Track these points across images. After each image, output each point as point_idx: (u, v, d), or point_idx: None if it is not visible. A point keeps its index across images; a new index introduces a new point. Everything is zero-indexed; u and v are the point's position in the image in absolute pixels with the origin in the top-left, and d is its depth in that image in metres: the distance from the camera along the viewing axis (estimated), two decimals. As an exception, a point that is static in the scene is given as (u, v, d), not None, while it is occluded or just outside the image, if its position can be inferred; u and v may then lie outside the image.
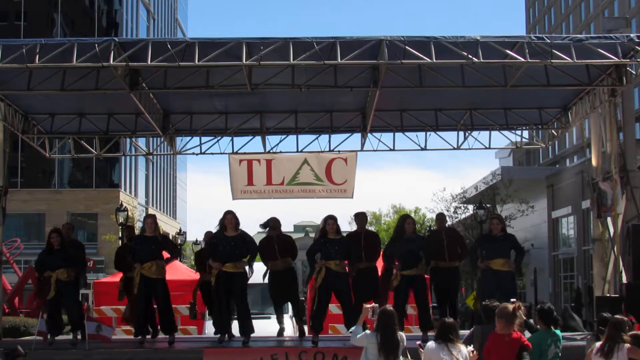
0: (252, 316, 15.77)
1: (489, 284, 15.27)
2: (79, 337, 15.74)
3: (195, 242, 55.11)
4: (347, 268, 15.41)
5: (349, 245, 15.43)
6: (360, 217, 16.41)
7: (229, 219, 15.24)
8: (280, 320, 16.36)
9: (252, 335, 15.40)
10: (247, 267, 15.36)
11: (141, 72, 15.67)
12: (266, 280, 16.18)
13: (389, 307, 10.58)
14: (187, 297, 19.24)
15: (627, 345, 9.98)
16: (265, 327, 16.53)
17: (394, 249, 15.84)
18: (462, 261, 16.96)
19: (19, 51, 14.23)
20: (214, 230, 15.67)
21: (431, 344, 10.21)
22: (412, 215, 73.06)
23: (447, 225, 17.21)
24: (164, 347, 15.61)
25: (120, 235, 40.01)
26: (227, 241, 15.16)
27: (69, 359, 14.60)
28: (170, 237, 67.47)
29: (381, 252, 16.49)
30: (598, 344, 10.28)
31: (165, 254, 15.86)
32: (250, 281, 15.72)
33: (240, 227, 15.40)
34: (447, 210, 55.56)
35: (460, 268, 17.61)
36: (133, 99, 16.50)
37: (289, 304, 17.92)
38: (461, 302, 39.50)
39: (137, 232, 17.96)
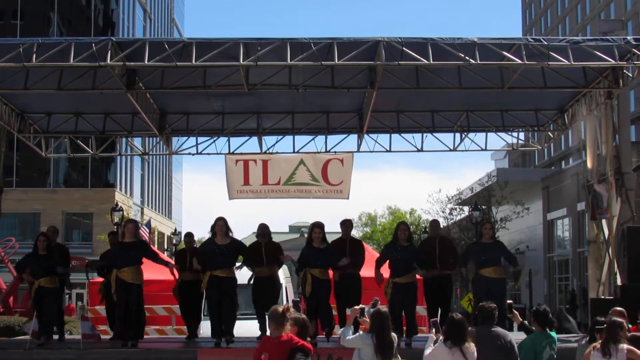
0: (245, 317, 15.85)
1: (480, 291, 15.26)
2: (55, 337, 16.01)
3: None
4: (330, 275, 15.55)
5: (333, 254, 15.50)
6: (346, 224, 16.45)
7: (220, 226, 15.37)
8: (262, 325, 16.34)
9: (245, 336, 15.51)
10: (237, 272, 15.61)
11: (138, 71, 15.68)
12: (251, 282, 16.26)
13: (383, 308, 10.59)
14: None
15: (627, 346, 9.98)
16: (257, 328, 16.53)
17: (388, 256, 15.92)
18: (454, 269, 16.99)
19: (16, 50, 14.22)
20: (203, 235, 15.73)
21: (440, 347, 10.17)
22: (407, 216, 73.21)
23: (441, 233, 17.19)
24: (159, 347, 15.62)
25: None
26: (218, 249, 15.30)
27: (64, 358, 14.56)
28: (165, 237, 67.56)
29: (365, 259, 16.52)
30: (596, 344, 10.27)
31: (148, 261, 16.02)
32: (244, 282, 15.82)
33: (230, 234, 15.54)
34: (443, 212, 55.64)
35: (458, 274, 17.65)
36: (130, 99, 16.48)
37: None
38: (456, 304, 39.50)
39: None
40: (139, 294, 15.57)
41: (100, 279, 18.28)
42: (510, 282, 35.04)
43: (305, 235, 17.11)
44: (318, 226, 15.48)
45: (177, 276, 16.58)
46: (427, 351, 10.41)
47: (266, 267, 16.04)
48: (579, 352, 11.71)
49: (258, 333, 16.12)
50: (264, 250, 16.05)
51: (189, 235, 17.33)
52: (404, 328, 15.58)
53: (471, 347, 10.04)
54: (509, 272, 16.38)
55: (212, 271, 15.26)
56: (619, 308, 11.68)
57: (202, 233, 17.51)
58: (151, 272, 16.68)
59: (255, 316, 16.36)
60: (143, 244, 16.30)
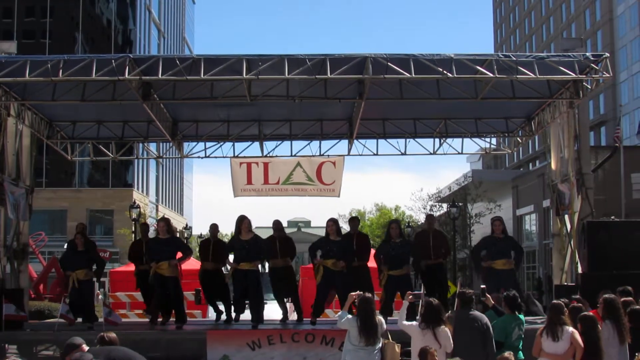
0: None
1: (491, 282, 14.99)
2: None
3: (200, 236, 55.08)
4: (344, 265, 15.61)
5: (348, 247, 15.69)
6: (354, 222, 16.70)
7: (245, 224, 15.62)
8: (282, 308, 16.43)
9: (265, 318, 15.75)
10: (260, 266, 15.89)
11: (153, 84, 15.63)
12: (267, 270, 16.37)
13: (368, 294, 10.59)
14: (193, 285, 19.27)
15: (571, 329, 9.95)
16: (265, 311, 16.55)
17: (382, 252, 15.97)
18: (447, 258, 17.07)
19: (45, 66, 14.20)
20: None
21: (414, 326, 10.15)
22: (393, 212, 73.16)
23: (435, 226, 17.20)
24: (171, 329, 15.61)
25: (133, 229, 39.99)
26: (242, 244, 15.45)
27: (87, 339, 14.35)
28: (177, 232, 67.64)
29: (372, 252, 16.61)
30: (542, 327, 10.27)
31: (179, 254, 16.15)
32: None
33: (252, 231, 15.75)
34: (424, 208, 55.54)
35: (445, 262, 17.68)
36: (145, 109, 16.47)
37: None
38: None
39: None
40: (176, 285, 15.69)
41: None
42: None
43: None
44: (331, 220, 15.72)
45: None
46: (404, 322, 10.40)
47: (280, 259, 16.12)
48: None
49: (274, 316, 16.29)
50: (278, 244, 16.11)
51: (214, 228, 17.03)
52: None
53: (445, 330, 10.00)
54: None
55: (237, 265, 15.49)
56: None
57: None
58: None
59: (266, 301, 16.51)
60: (176, 240, 16.36)
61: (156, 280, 15.57)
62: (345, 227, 22.77)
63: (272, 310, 16.83)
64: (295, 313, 19.67)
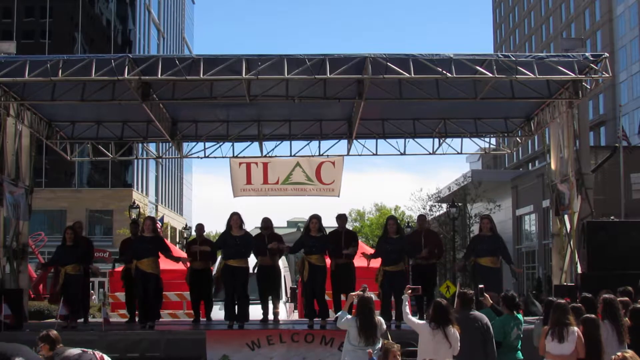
0: (250, 302, 15.83)
1: (477, 279, 15.05)
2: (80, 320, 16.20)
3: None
4: (327, 261, 15.52)
5: (328, 242, 15.51)
6: (341, 218, 16.41)
7: (235, 220, 15.45)
8: (264, 307, 16.32)
9: (250, 318, 15.53)
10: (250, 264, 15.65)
11: (152, 84, 15.65)
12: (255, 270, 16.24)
13: (368, 294, 10.56)
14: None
15: (577, 330, 9.89)
16: (260, 312, 16.50)
17: (379, 247, 15.88)
18: (439, 259, 16.93)
19: (44, 66, 14.22)
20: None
21: (424, 326, 10.07)
22: (393, 212, 73.14)
23: (427, 226, 17.04)
24: (171, 329, 15.60)
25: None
26: (233, 240, 15.36)
27: (87, 339, 14.46)
28: (177, 232, 67.63)
29: (359, 249, 16.46)
30: (547, 327, 10.19)
31: (174, 254, 16.09)
32: (250, 271, 15.83)
33: (244, 227, 15.61)
34: (424, 209, 55.56)
35: (438, 263, 17.55)
36: (145, 109, 16.47)
37: (282, 290, 17.87)
38: (435, 290, 39.43)
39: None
40: (156, 282, 15.63)
41: (120, 269, 18.27)
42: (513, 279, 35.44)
43: (302, 230, 17.08)
44: (315, 217, 15.54)
45: (188, 266, 16.58)
46: (413, 319, 10.36)
47: (269, 257, 16.05)
48: (535, 330, 11.75)
49: (259, 317, 16.15)
50: (267, 241, 16.04)
51: (200, 227, 17.23)
52: (393, 312, 15.54)
53: (454, 331, 9.91)
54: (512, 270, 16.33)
55: (226, 260, 15.37)
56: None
57: (210, 227, 17.44)
58: (165, 262, 16.68)
59: (258, 301, 16.37)
60: (159, 239, 16.28)
61: (138, 277, 15.54)
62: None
63: (257, 310, 16.70)
64: (294, 313, 19.61)
